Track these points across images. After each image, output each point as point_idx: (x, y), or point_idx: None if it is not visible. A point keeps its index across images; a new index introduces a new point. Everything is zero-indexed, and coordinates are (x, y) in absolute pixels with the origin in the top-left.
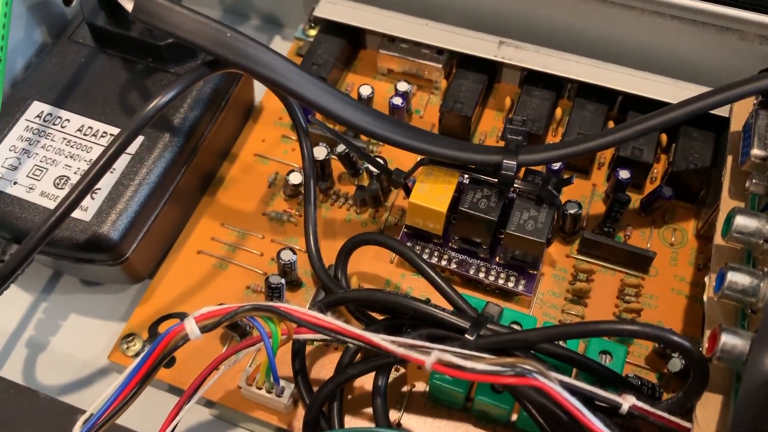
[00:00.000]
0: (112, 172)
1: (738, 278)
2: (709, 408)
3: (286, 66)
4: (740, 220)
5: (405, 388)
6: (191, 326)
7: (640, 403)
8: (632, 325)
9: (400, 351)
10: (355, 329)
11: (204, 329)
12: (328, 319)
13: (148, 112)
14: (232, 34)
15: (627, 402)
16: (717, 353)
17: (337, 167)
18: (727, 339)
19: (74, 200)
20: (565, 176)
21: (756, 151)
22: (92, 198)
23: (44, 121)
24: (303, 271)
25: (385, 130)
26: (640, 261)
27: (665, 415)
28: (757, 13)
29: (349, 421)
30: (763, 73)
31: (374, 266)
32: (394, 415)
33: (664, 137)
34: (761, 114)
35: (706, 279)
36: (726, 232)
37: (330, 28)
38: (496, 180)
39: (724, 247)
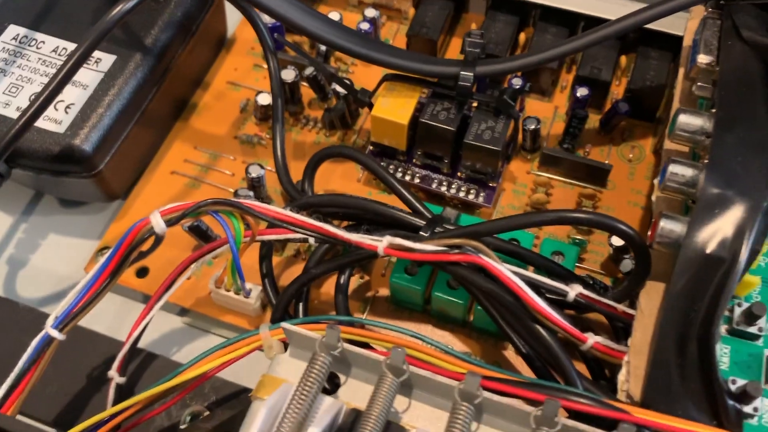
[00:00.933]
0: (85, 89)
1: (679, 170)
2: (651, 295)
3: None
4: (683, 119)
5: (369, 294)
6: (156, 219)
7: (586, 292)
8: (579, 213)
9: (354, 238)
10: (313, 221)
11: (169, 222)
12: (288, 213)
13: (110, 20)
14: None
15: (573, 290)
16: (657, 238)
17: (307, 93)
18: (665, 224)
19: (39, 107)
20: (527, 88)
21: (702, 57)
22: (66, 112)
23: (20, 42)
24: (272, 190)
25: (347, 41)
26: (598, 174)
27: (611, 303)
28: None
29: None
30: None
31: (342, 185)
32: (358, 316)
33: (623, 59)
34: (708, 23)
35: (655, 181)
36: (672, 131)
37: None
38: (455, 93)
39: (671, 150)
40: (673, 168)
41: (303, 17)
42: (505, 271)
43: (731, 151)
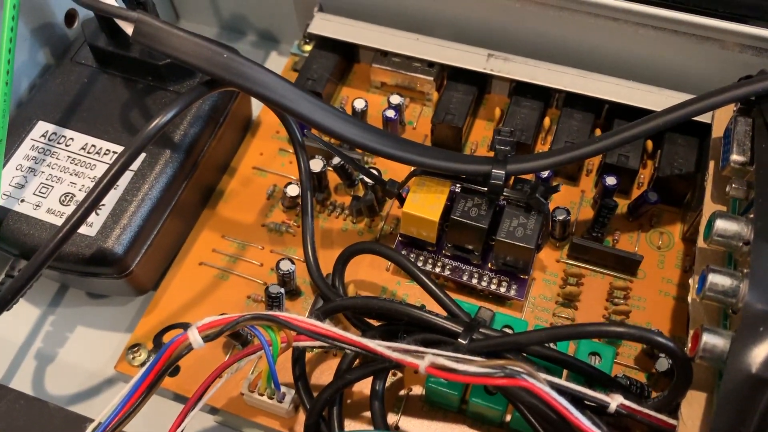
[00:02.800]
0: (115, 189)
1: (719, 280)
2: (693, 405)
3: (280, 84)
4: (720, 224)
5: (402, 392)
6: (194, 336)
7: (627, 402)
8: (619, 326)
9: (395, 356)
10: (352, 335)
11: (207, 338)
12: (326, 327)
13: (150, 131)
14: (228, 55)
15: (615, 401)
16: (699, 352)
17: (334, 179)
18: (708, 339)
19: (80, 217)
20: (554, 183)
21: (735, 157)
22: (97, 214)
23: (49, 140)
24: (302, 280)
25: (376, 143)
26: (628, 264)
27: (652, 413)
28: (736, 23)
29: (349, 425)
30: (742, 81)
31: (371, 274)
32: (392, 418)
33: (650, 144)
34: (740, 120)
35: (690, 281)
36: (708, 236)
37: (324, 43)
38: (485, 189)
39: (706, 249)
40: (712, 278)
41: (337, 123)
42: (550, 392)
43: None
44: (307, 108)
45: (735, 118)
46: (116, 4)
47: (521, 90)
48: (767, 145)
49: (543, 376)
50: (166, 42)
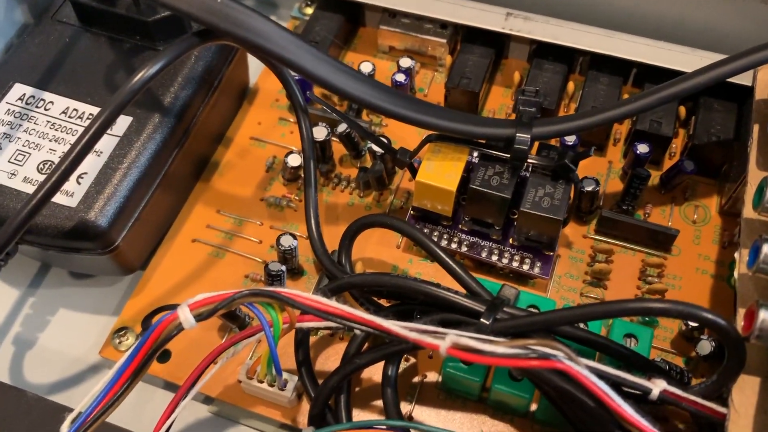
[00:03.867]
0: (98, 156)
1: None
2: (746, 391)
3: (281, 34)
4: None
5: (416, 379)
6: (185, 314)
7: (671, 388)
8: (662, 303)
9: (413, 336)
10: (364, 314)
11: (199, 317)
12: (334, 304)
13: (133, 86)
14: (223, 0)
15: (657, 387)
16: (755, 332)
17: (339, 149)
18: (766, 316)
19: (54, 183)
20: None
21: None
22: (78, 183)
23: (26, 103)
24: (305, 258)
25: (389, 103)
26: (662, 240)
27: (699, 400)
28: None
29: (358, 415)
30: None
31: (379, 252)
32: (405, 407)
33: (682, 110)
34: None
35: (736, 255)
36: (758, 204)
37: (327, 4)
38: (508, 155)
39: (754, 220)
40: (766, 249)
41: (344, 79)
42: (590, 375)
43: None
44: (310, 61)
45: None
46: None
47: (543, 52)
48: None
49: (581, 359)
50: None
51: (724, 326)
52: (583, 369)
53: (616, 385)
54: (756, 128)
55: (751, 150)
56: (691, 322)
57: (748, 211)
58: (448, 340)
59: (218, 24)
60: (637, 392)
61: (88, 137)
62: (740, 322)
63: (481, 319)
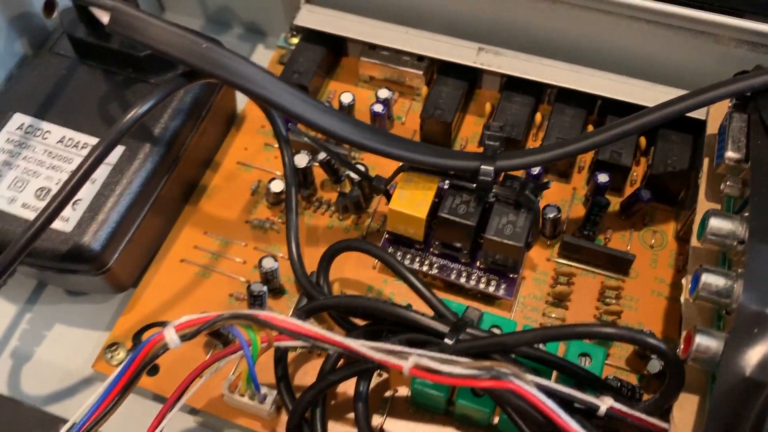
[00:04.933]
0: (92, 183)
1: (712, 280)
2: (686, 409)
3: (261, 75)
4: (714, 222)
5: (388, 393)
6: (171, 335)
7: (617, 405)
8: (610, 327)
9: (378, 356)
10: (334, 335)
11: (184, 338)
12: (307, 326)
13: (126, 122)
14: (207, 45)
15: (605, 404)
16: (692, 354)
17: (320, 174)
18: (701, 340)
19: (53, 211)
20: (545, 180)
21: (730, 154)
22: (73, 209)
23: (25, 132)
24: (286, 279)
25: (362, 137)
26: (620, 263)
27: (643, 416)
28: (731, 16)
29: (333, 427)
30: (738, 77)
31: (357, 272)
32: (377, 420)
33: (643, 140)
34: (735, 117)
35: (683, 281)
36: (701, 234)
37: (311, 36)
38: (474, 185)
39: (700, 249)
40: (705, 278)
41: (321, 116)
42: (538, 394)
43: None
44: (288, 100)
45: (730, 114)
46: None
47: (512, 85)
48: (763, 141)
49: (530, 377)
50: (143, 32)
51: (664, 350)
52: (531, 387)
53: (567, 402)
54: (706, 161)
55: (701, 182)
56: (636, 346)
57: (694, 241)
58: (411, 361)
59: (203, 67)
60: (586, 408)
61: (84, 169)
62: (681, 345)
63: (445, 340)
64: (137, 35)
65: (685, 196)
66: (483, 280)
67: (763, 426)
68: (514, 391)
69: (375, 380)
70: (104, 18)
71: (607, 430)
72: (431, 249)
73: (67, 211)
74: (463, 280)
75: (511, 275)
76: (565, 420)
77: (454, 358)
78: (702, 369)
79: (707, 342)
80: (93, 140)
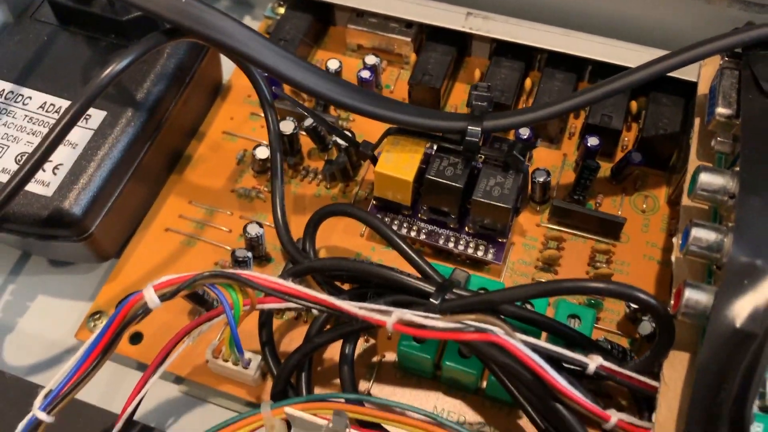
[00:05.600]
0: (74, 148)
1: (702, 234)
2: (676, 366)
3: (242, 31)
4: (705, 177)
5: (375, 359)
6: (150, 294)
7: (607, 363)
8: (598, 282)
9: (362, 313)
10: (318, 294)
11: (163, 297)
12: (289, 284)
13: (101, 81)
14: (188, 0)
15: (594, 362)
16: (681, 309)
17: (306, 143)
18: (690, 294)
19: (27, 172)
20: (536, 142)
21: (720, 110)
22: (54, 173)
23: (5, 98)
24: (272, 246)
25: (348, 97)
26: (611, 227)
27: (633, 374)
28: None
29: (319, 392)
30: (728, 32)
31: (344, 240)
32: (364, 385)
33: (634, 105)
34: (726, 73)
35: (674, 240)
36: (692, 191)
37: (298, 4)
38: (461, 147)
39: (691, 207)
40: (696, 232)
41: (303, 74)
42: (524, 349)
43: (759, 216)
44: (271, 58)
45: (721, 71)
46: None
47: (502, 50)
48: (754, 96)
49: (516, 334)
50: None
51: (653, 304)
52: (518, 343)
53: (556, 360)
54: (697, 121)
55: (692, 141)
56: (624, 300)
57: (685, 199)
58: (394, 316)
59: (182, 22)
60: (575, 367)
61: (59, 130)
62: (671, 302)
63: (431, 299)
64: None
65: (677, 159)
66: (471, 245)
67: (753, 377)
68: (499, 345)
69: (362, 346)
70: None
71: (599, 395)
72: (419, 215)
73: (47, 176)
74: (451, 245)
75: (499, 239)
76: (553, 376)
77: (438, 316)
78: (693, 326)
79: (697, 296)
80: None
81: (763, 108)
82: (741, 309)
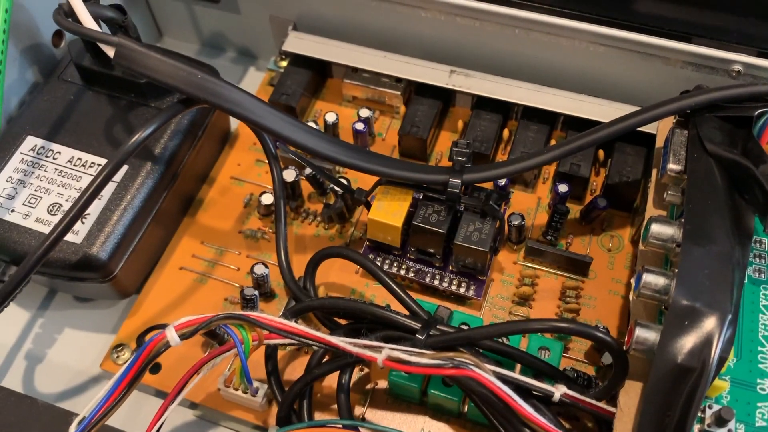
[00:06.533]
0: (99, 199)
1: (652, 279)
2: (630, 394)
3: (250, 101)
4: (655, 228)
5: (369, 386)
6: (171, 334)
7: (570, 392)
8: (560, 322)
9: (355, 350)
10: (316, 332)
11: (183, 336)
12: (292, 324)
13: (130, 146)
14: (202, 75)
15: (559, 391)
16: (633, 345)
17: (307, 187)
18: (640, 332)
19: (66, 225)
20: (511, 190)
21: (671, 166)
22: (82, 223)
23: (38, 153)
24: (276, 283)
25: (342, 154)
26: (579, 266)
27: (593, 401)
28: (677, 41)
29: (319, 417)
30: (680, 96)
31: (341, 277)
32: (359, 410)
33: (601, 153)
34: (677, 132)
35: (632, 281)
36: (645, 238)
37: (298, 60)
38: (444, 197)
39: (647, 251)
40: (646, 277)
41: (304, 136)
42: (494, 380)
43: (699, 264)
44: (275, 123)
45: (673, 130)
46: (98, 29)
47: (482, 104)
48: (699, 155)
49: (489, 366)
50: (145, 64)
51: (607, 341)
52: (489, 375)
53: (527, 390)
54: (654, 173)
55: (650, 191)
56: (584, 338)
57: (641, 244)
58: (384, 353)
59: (198, 95)
60: (543, 395)
61: (94, 187)
62: (626, 338)
63: (417, 335)
64: (139, 67)
65: (640, 203)
66: (455, 282)
67: (691, 406)
68: (474, 378)
69: (357, 374)
70: (110, 52)
71: (571, 418)
72: (408, 254)
73: (77, 225)
74: (437, 282)
75: (480, 277)
76: (520, 403)
77: (422, 351)
78: (645, 358)
79: (646, 334)
80: (99, 160)
81: (706, 166)
82: (682, 346)
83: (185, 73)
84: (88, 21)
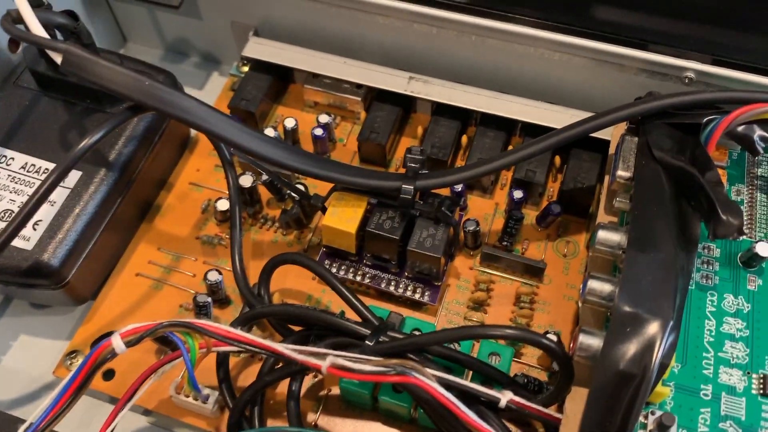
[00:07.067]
0: (52, 206)
1: (597, 285)
2: (576, 400)
3: (200, 108)
4: (602, 234)
5: (322, 393)
6: (117, 341)
7: (517, 398)
8: (504, 329)
9: (300, 357)
10: (262, 340)
11: (129, 344)
12: (237, 332)
13: (77, 152)
14: (150, 82)
15: (505, 397)
16: (577, 351)
17: (266, 193)
18: (583, 339)
19: (12, 231)
20: (468, 196)
21: (620, 173)
22: (34, 229)
23: None
24: (231, 290)
25: (294, 161)
26: (534, 271)
27: (540, 408)
28: (631, 48)
29: (271, 423)
30: (632, 102)
31: (298, 283)
32: (312, 416)
33: (558, 159)
34: (627, 139)
35: (581, 286)
36: (593, 244)
37: (259, 65)
38: (397, 203)
39: (597, 257)
40: (591, 284)
41: (257, 143)
42: (437, 387)
43: (642, 271)
44: (225, 129)
45: (623, 137)
46: (45, 36)
47: (441, 110)
48: (647, 161)
49: (431, 372)
50: (92, 71)
51: (552, 348)
52: (431, 381)
53: (473, 396)
54: (606, 179)
55: (602, 197)
56: (529, 345)
57: (590, 250)
58: (327, 360)
59: (145, 101)
60: (490, 401)
61: (41, 193)
62: (571, 344)
63: (366, 341)
64: (87, 74)
65: (595, 209)
66: (410, 288)
67: (632, 412)
68: (417, 385)
69: (311, 381)
70: (58, 59)
71: (523, 424)
72: (364, 261)
73: (28, 231)
74: (392, 288)
75: (435, 283)
76: (462, 409)
77: (367, 357)
78: (589, 365)
79: (589, 341)
80: (53, 166)
81: (654, 173)
82: (624, 353)
83: (132, 80)
84: (35, 27)
